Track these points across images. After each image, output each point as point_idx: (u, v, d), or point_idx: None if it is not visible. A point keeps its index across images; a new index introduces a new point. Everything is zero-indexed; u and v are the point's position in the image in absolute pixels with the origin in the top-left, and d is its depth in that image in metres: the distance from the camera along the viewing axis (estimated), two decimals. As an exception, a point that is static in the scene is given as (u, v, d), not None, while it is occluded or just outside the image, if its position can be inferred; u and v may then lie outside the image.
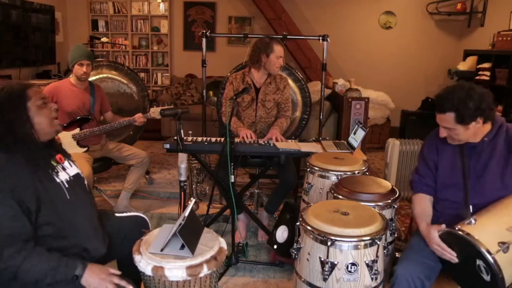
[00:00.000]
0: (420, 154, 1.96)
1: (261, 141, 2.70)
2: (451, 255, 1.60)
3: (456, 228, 1.56)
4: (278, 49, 2.81)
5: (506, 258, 1.45)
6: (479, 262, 1.48)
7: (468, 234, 1.51)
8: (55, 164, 1.57)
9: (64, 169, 1.60)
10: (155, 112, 2.84)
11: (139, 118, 3.01)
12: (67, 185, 1.55)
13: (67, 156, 1.69)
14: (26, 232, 1.39)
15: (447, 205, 1.82)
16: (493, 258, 1.43)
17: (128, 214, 1.93)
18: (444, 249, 1.62)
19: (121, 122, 3.06)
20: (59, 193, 1.52)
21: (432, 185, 1.88)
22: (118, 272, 1.53)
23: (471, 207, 1.69)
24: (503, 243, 1.46)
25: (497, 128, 1.74)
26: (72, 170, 1.65)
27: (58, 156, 1.62)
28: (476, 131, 1.70)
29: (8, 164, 1.40)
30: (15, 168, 1.40)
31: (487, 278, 1.47)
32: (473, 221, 1.55)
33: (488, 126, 1.73)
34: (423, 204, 1.87)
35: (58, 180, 1.53)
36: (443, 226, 1.65)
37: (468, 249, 1.51)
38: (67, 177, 1.58)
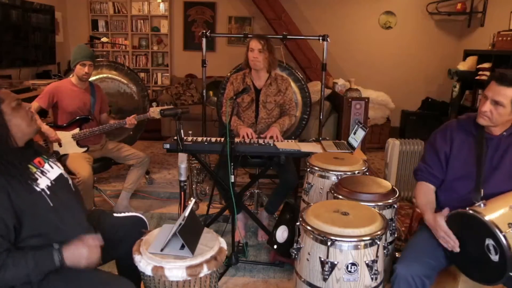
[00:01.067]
0: (430, 144, 1.95)
1: (261, 141, 2.70)
2: (455, 244, 1.63)
3: (467, 209, 1.59)
4: (252, 43, 2.81)
5: None
6: (488, 241, 1.50)
7: (479, 212, 1.54)
8: (34, 169, 1.49)
9: (44, 173, 1.52)
10: (154, 111, 2.84)
11: (129, 120, 2.99)
12: (48, 192, 1.48)
13: (48, 157, 1.61)
14: (1, 250, 1.32)
15: (454, 197, 1.82)
16: (503, 235, 1.46)
17: (127, 214, 1.91)
18: (450, 237, 1.64)
19: (112, 124, 3.03)
20: (40, 203, 1.44)
21: (438, 176, 1.89)
22: (98, 239, 1.50)
23: (482, 191, 1.71)
24: None
25: None
26: (54, 172, 1.57)
27: (36, 160, 1.53)
28: (509, 119, 1.74)
29: None
30: None
31: (495, 258, 1.49)
32: (482, 205, 1.58)
33: (509, 122, 1.78)
34: (427, 193, 1.88)
35: (38, 189, 1.45)
36: (446, 209, 1.69)
37: (477, 229, 1.54)
38: (47, 182, 1.50)
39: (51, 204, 1.47)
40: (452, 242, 1.63)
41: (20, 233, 1.39)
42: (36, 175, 1.49)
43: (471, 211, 1.57)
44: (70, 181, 1.67)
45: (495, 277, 1.52)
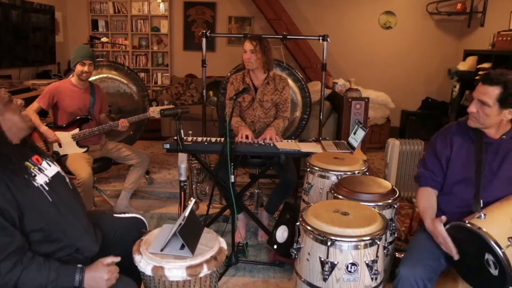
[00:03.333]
0: (431, 147, 1.94)
1: (261, 141, 2.70)
2: (453, 251, 1.62)
3: (466, 222, 1.56)
4: (245, 45, 2.85)
5: None
6: (487, 256, 1.48)
7: (478, 228, 1.51)
8: (31, 166, 1.49)
9: (41, 170, 1.52)
10: (154, 111, 2.84)
11: (122, 123, 2.98)
12: (47, 188, 1.48)
13: (46, 155, 1.61)
14: (16, 241, 1.34)
15: (453, 201, 1.82)
16: (503, 252, 1.43)
17: (126, 215, 1.91)
18: (448, 244, 1.63)
19: (104, 126, 3.01)
20: (39, 197, 1.45)
21: (440, 181, 1.88)
22: (116, 259, 1.50)
23: (481, 201, 1.69)
24: None
25: None
26: (51, 170, 1.57)
27: (34, 157, 1.54)
28: (501, 122, 1.73)
29: None
30: None
31: (495, 272, 1.47)
32: (483, 215, 1.55)
33: (508, 125, 1.77)
34: (430, 199, 1.87)
35: (36, 185, 1.46)
36: (444, 217, 1.67)
37: (477, 242, 1.51)
38: (45, 179, 1.51)
39: (50, 200, 1.47)
40: (450, 249, 1.63)
41: (23, 227, 1.39)
42: (34, 171, 1.49)
43: (469, 225, 1.54)
44: (67, 179, 1.67)
45: None
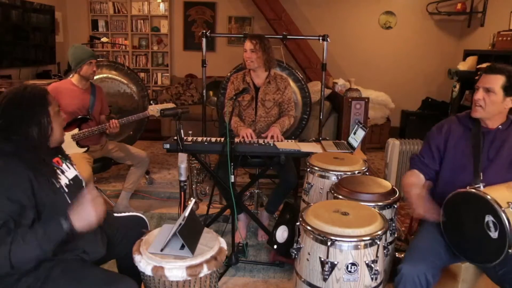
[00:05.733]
0: (426, 137, 2.05)
1: (261, 141, 2.70)
2: (437, 214, 1.75)
3: (467, 188, 1.64)
4: (246, 44, 2.88)
5: None
6: (488, 218, 1.55)
7: (479, 190, 1.61)
8: (55, 168, 1.55)
9: (63, 172, 1.58)
10: (154, 109, 2.83)
11: (111, 124, 2.95)
12: (67, 190, 1.53)
13: (65, 158, 1.67)
14: (3, 215, 1.31)
15: (453, 188, 1.81)
16: (503, 210, 1.51)
17: (127, 214, 1.93)
18: (432, 210, 1.77)
19: (93, 129, 2.97)
20: (60, 199, 1.49)
21: (429, 166, 1.97)
22: (93, 192, 1.45)
23: (481, 174, 1.77)
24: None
25: (510, 122, 1.88)
26: (71, 172, 1.63)
27: (55, 160, 1.59)
28: (503, 111, 1.82)
29: (6, 169, 1.37)
30: (15, 169, 1.37)
31: (494, 235, 1.53)
32: (481, 186, 1.63)
33: (504, 116, 1.87)
34: (415, 178, 1.98)
35: (58, 186, 1.51)
36: (429, 182, 1.85)
37: (477, 206, 1.59)
38: (66, 181, 1.57)
39: (69, 201, 1.51)
40: (433, 213, 1.75)
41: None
42: (57, 173, 1.54)
43: (471, 190, 1.62)
44: (84, 183, 1.71)
45: (495, 256, 1.55)
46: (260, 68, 2.90)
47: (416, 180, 1.98)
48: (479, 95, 1.81)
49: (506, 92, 1.77)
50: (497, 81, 1.77)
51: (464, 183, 1.76)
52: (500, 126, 1.86)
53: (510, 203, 1.54)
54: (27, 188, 1.38)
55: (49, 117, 1.50)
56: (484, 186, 1.63)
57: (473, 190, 1.62)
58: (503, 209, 1.51)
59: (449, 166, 1.92)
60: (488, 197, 1.55)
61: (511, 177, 1.78)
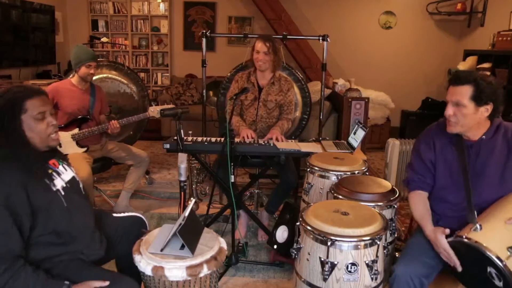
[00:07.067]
0: (415, 151, 1.91)
1: (261, 141, 2.70)
2: (456, 263, 1.57)
3: (464, 237, 1.53)
4: (258, 45, 2.83)
5: None
6: (490, 269, 1.46)
7: (476, 242, 1.48)
8: (50, 170, 1.53)
9: (59, 174, 1.56)
10: (154, 111, 2.82)
11: (112, 125, 2.96)
12: (63, 193, 1.52)
13: (62, 159, 1.64)
14: (17, 249, 1.34)
15: (447, 206, 1.81)
16: (504, 265, 1.41)
17: (126, 214, 1.92)
18: (451, 256, 1.59)
19: (93, 129, 2.98)
20: (55, 202, 1.48)
21: (430, 183, 1.86)
22: (104, 284, 1.45)
23: (475, 212, 1.63)
24: None
25: (495, 127, 1.75)
26: (67, 174, 1.61)
27: (51, 162, 1.57)
28: (480, 121, 1.69)
29: (1, 173, 1.36)
30: (8, 178, 1.36)
31: (499, 284, 1.46)
32: (478, 227, 1.52)
33: (487, 124, 1.74)
34: (424, 203, 1.84)
35: (54, 189, 1.49)
36: (447, 230, 1.63)
37: (478, 257, 1.48)
38: (62, 183, 1.55)
39: (65, 205, 1.50)
40: (454, 262, 1.58)
41: (34, 230, 1.41)
42: (53, 175, 1.53)
43: (467, 241, 1.50)
44: (81, 185, 1.70)
45: None
46: (268, 70, 2.91)
47: (426, 206, 1.83)
48: (449, 110, 1.69)
49: (477, 102, 1.64)
50: (465, 92, 1.64)
51: (457, 201, 1.73)
52: (483, 136, 1.73)
53: (510, 249, 1.43)
54: (22, 195, 1.36)
55: (21, 126, 1.44)
56: (481, 227, 1.51)
57: (470, 242, 1.49)
58: (504, 263, 1.41)
59: (440, 184, 1.81)
60: (488, 252, 1.43)
61: (504, 191, 1.69)
